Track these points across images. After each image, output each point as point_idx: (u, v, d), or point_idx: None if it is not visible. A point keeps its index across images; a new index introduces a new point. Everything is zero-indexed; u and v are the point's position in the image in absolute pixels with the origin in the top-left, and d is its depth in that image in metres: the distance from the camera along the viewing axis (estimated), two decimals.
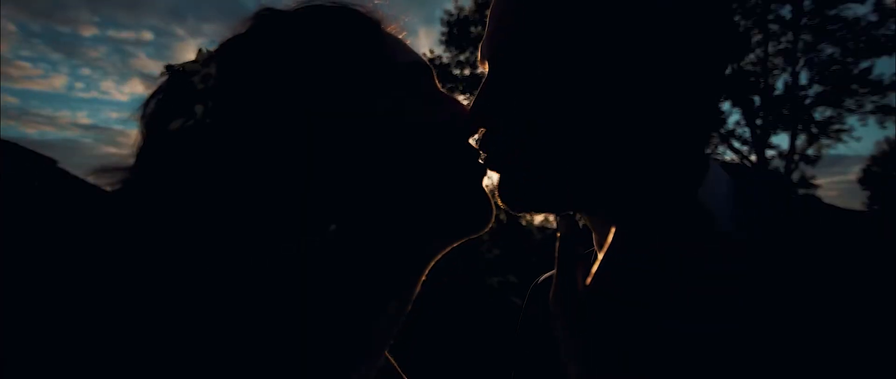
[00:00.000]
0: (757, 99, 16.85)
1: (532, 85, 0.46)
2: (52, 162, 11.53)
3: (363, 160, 0.43)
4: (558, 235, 0.43)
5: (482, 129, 0.49)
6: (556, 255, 0.41)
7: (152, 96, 0.47)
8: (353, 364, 0.41)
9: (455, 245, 0.50)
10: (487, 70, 0.51)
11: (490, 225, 0.52)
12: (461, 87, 15.76)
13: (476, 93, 0.51)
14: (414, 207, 0.46)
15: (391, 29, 0.54)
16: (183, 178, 0.40)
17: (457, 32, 17.39)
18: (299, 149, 0.40)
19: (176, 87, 0.45)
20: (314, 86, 0.43)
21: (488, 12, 0.52)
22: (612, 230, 0.40)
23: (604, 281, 0.38)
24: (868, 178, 29.62)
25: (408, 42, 0.55)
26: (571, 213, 0.48)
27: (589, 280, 0.40)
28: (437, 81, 0.55)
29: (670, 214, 0.40)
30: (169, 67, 0.47)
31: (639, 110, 0.45)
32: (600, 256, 0.40)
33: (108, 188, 0.45)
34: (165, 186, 0.40)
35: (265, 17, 0.48)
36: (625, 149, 0.45)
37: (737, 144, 17.41)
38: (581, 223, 0.51)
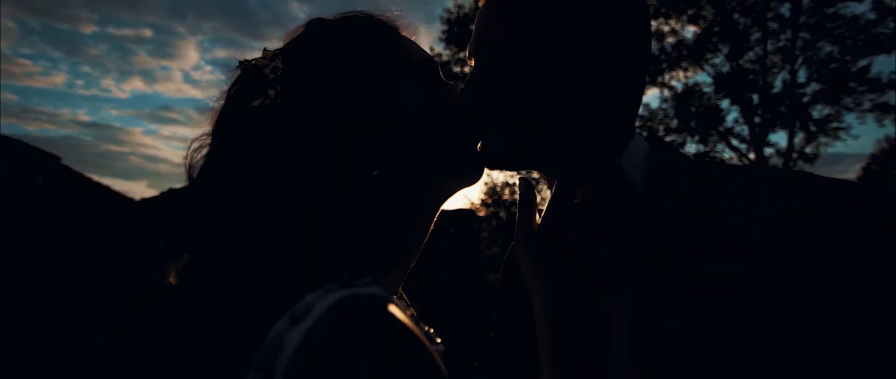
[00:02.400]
0: (755, 97, 16.85)
1: (507, 77, 0.62)
2: (56, 159, 11.55)
3: (390, 130, 0.60)
4: (520, 190, 0.59)
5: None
6: (519, 204, 0.58)
7: (234, 83, 0.62)
8: (385, 273, 0.58)
9: (455, 193, 0.69)
10: (473, 65, 0.68)
11: (481, 178, 0.69)
12: (461, 84, 15.75)
13: (465, 82, 0.67)
14: (426, 164, 0.63)
15: (405, 32, 0.69)
16: (265, 139, 0.55)
17: (457, 30, 17.39)
18: (344, 119, 0.57)
19: (251, 76, 0.60)
20: (353, 76, 0.60)
21: (476, 19, 0.69)
22: (556, 183, 0.56)
23: (549, 220, 0.55)
24: (868, 177, 29.62)
25: (415, 40, 0.72)
26: (530, 173, 0.66)
27: (540, 219, 0.56)
28: (440, 72, 0.70)
29: (595, 171, 0.55)
30: (243, 63, 0.61)
31: (582, 101, 0.61)
32: (548, 203, 0.56)
33: (201, 151, 0.60)
34: (252, 146, 0.56)
35: (315, 24, 0.65)
36: (571, 129, 0.62)
37: (735, 142, 17.44)
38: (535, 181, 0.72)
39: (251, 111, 0.57)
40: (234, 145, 0.57)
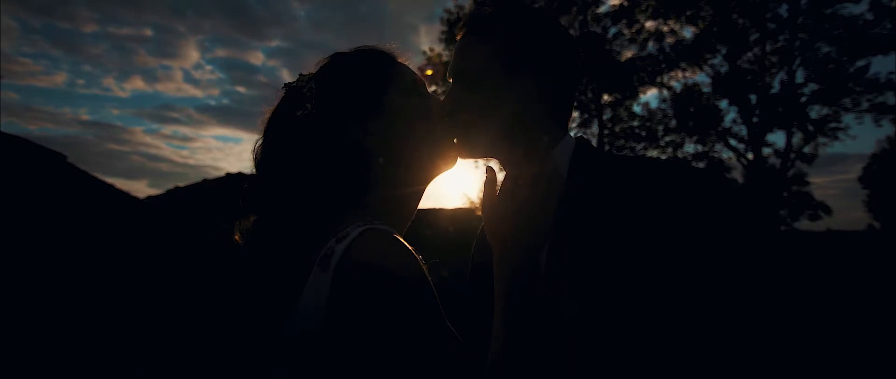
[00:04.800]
0: (753, 97, 16.88)
1: (473, 95, 0.89)
2: (62, 157, 11.66)
3: (391, 129, 0.84)
4: (485, 175, 0.80)
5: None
6: (484, 185, 0.79)
7: (282, 99, 0.86)
8: (390, 221, 0.78)
9: (438, 174, 0.92)
10: (451, 83, 0.94)
11: (455, 164, 0.94)
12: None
13: (446, 94, 0.92)
14: (417, 152, 0.87)
15: (401, 59, 0.92)
16: (306, 137, 0.80)
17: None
18: (359, 122, 0.82)
19: (294, 94, 0.84)
20: (365, 93, 0.84)
21: (454, 50, 0.94)
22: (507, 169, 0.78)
23: (504, 193, 0.76)
24: (868, 177, 29.47)
25: (409, 63, 0.95)
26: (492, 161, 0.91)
27: (496, 194, 0.77)
28: (426, 87, 0.95)
29: (536, 161, 0.76)
30: (287, 84, 0.87)
31: (523, 114, 0.87)
32: (501, 183, 0.77)
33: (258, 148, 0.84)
34: (297, 142, 0.80)
35: (337, 56, 0.89)
36: (518, 131, 0.87)
37: (733, 142, 17.48)
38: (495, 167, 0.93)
39: (295, 119, 0.81)
40: (284, 142, 0.81)
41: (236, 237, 0.79)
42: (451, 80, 0.95)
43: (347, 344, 0.62)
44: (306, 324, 0.64)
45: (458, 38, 0.95)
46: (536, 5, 18.22)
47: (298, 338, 0.64)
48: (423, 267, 0.67)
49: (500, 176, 0.87)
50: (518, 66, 0.87)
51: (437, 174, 0.90)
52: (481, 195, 0.80)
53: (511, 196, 0.75)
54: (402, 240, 0.70)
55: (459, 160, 0.93)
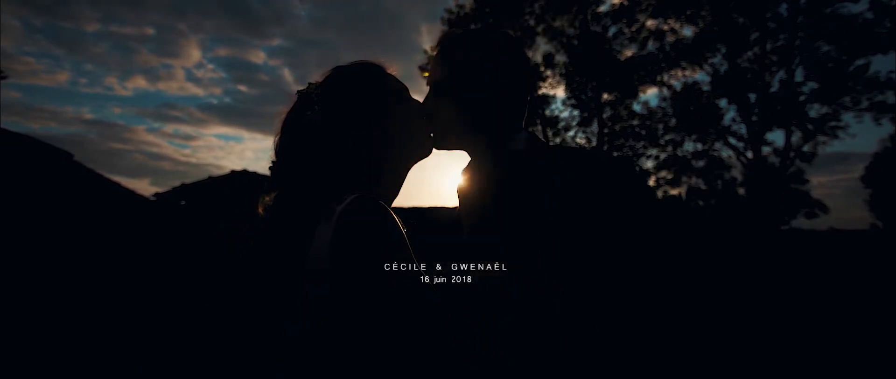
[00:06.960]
0: (753, 96, 16.89)
1: (445, 99, 1.08)
2: (68, 155, 11.78)
3: (380, 125, 1.03)
4: (465, 167, 0.98)
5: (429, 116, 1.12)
6: (462, 172, 0.98)
7: (296, 104, 1.05)
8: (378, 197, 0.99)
9: (418, 162, 1.12)
10: (429, 89, 1.13)
11: (431, 152, 1.13)
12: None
13: (424, 99, 1.12)
14: (400, 144, 1.06)
15: (390, 70, 1.11)
16: (314, 133, 1.00)
17: None
18: (355, 121, 1.01)
19: (304, 98, 1.04)
20: (360, 98, 1.03)
21: (430, 64, 1.14)
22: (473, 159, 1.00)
23: (469, 178, 0.95)
24: (870, 176, 29.15)
25: (395, 71, 1.16)
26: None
27: (469, 174, 0.96)
28: (409, 93, 1.14)
29: (497, 151, 0.95)
30: (299, 91, 1.06)
31: (486, 114, 1.06)
32: (471, 166, 0.97)
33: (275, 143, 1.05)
34: (307, 138, 1.00)
35: (339, 68, 1.09)
36: (483, 129, 1.06)
37: (733, 141, 17.51)
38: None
39: (305, 119, 1.01)
40: (297, 138, 1.01)
41: (259, 210, 1.01)
42: (428, 87, 1.16)
43: (347, 274, 0.81)
44: (315, 265, 0.83)
45: (435, 54, 1.16)
46: (536, 4, 18.35)
47: (309, 276, 0.84)
48: (402, 227, 0.88)
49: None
50: (482, 79, 1.07)
51: (417, 161, 1.11)
52: (458, 182, 0.99)
53: (474, 180, 0.93)
54: (386, 206, 0.90)
55: (434, 151, 1.13)
